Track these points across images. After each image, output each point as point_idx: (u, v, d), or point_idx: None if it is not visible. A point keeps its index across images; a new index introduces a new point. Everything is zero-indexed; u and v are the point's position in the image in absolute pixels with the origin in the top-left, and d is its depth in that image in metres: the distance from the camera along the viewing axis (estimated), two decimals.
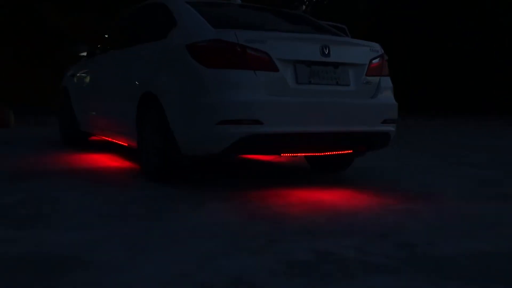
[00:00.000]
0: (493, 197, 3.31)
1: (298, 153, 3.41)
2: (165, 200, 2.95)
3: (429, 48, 18.33)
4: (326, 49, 3.29)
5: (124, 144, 4.27)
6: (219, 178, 3.85)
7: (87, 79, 5.05)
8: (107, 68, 4.53)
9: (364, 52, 3.51)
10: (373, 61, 3.53)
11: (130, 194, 3.11)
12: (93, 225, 2.38)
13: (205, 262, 1.91)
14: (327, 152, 3.46)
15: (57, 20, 11.61)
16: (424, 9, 17.91)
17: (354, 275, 1.82)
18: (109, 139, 4.69)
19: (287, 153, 3.35)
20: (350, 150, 3.57)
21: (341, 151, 3.52)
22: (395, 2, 18.29)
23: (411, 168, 4.56)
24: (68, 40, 11.57)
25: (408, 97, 17.46)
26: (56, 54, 11.69)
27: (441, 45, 18.12)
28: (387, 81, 3.64)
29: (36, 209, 2.68)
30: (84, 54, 5.12)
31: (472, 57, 17.94)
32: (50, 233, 2.25)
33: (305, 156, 4.28)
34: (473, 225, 2.57)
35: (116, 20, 4.88)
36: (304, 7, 17.17)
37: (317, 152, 3.45)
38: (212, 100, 3.05)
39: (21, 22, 11.64)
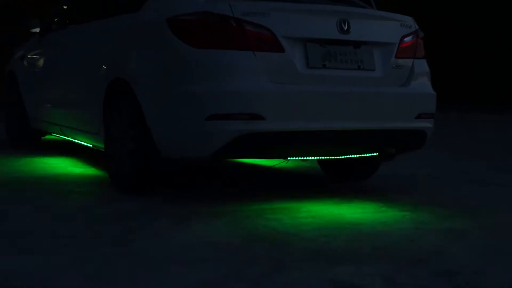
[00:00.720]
0: None
1: (309, 157, 3.41)
2: (141, 216, 2.95)
3: (472, 27, 18.26)
4: (345, 24, 3.30)
5: (88, 145, 4.27)
6: (209, 187, 3.85)
7: (41, 62, 5.05)
8: (66, 48, 4.53)
9: (393, 28, 3.52)
10: (405, 39, 3.54)
11: (95, 209, 3.11)
12: (49, 249, 2.38)
13: None
14: (346, 155, 3.47)
15: None
16: None
17: None
18: (69, 139, 4.69)
19: (296, 156, 3.36)
20: (376, 152, 3.58)
21: (364, 154, 3.53)
22: None
23: (452, 176, 4.56)
24: (14, 11, 11.53)
25: (446, 85, 17.38)
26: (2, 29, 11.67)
27: (485, 25, 18.05)
28: (422, 65, 3.64)
29: None
30: (37, 30, 5.13)
31: None
32: None
33: (319, 161, 4.29)
34: None
35: None
36: None
37: (334, 156, 3.45)
38: (200, 89, 3.05)
39: None
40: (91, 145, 4.20)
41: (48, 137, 5.78)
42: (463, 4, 18.04)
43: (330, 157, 3.50)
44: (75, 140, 4.53)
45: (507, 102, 17.11)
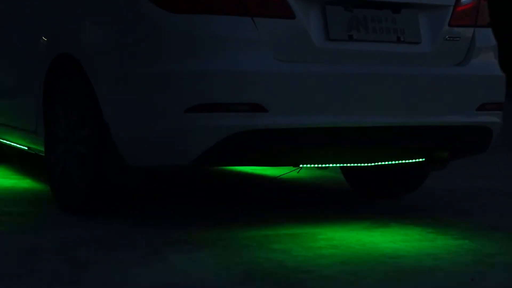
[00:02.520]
0: None
1: (329, 164, 3.42)
2: (96, 247, 2.95)
3: None
4: None
5: (23, 147, 4.27)
6: (190, 207, 3.86)
7: None
8: None
9: None
10: (463, 0, 3.55)
11: (31, 237, 3.12)
12: None
13: None
14: (380, 162, 3.48)
15: None
16: None
17: None
18: None
19: (310, 163, 3.37)
20: (422, 158, 3.59)
21: (405, 160, 3.54)
22: None
23: None
24: None
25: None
26: None
27: None
28: (487, 36, 3.66)
29: None
30: None
31: None
32: None
33: (342, 170, 4.30)
34: None
35: None
36: None
37: (363, 163, 3.46)
38: (180, 69, 3.07)
39: None
40: (26, 148, 4.21)
41: None
42: None
43: (358, 164, 3.51)
44: (4, 141, 4.54)
45: None
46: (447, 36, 3.49)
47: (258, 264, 2.78)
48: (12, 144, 4.43)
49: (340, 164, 3.49)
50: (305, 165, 3.41)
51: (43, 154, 3.81)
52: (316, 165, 3.46)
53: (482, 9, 3.65)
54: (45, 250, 2.90)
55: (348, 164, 3.51)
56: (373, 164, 3.49)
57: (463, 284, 2.59)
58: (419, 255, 2.97)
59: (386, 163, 3.51)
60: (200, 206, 3.90)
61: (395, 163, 3.57)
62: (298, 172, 4.33)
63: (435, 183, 4.56)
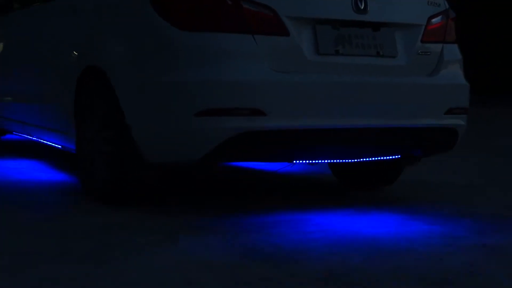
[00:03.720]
0: None
1: (318, 160, 3.41)
2: (118, 232, 2.95)
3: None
4: (361, 3, 3.30)
5: (57, 146, 4.27)
6: (199, 198, 3.85)
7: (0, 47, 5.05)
8: (30, 31, 4.53)
9: (419, 7, 3.52)
10: (433, 20, 3.54)
11: (65, 222, 3.11)
12: (15, 268, 2.38)
13: None
14: (362, 158, 3.47)
15: None
16: None
17: None
18: (34, 139, 4.69)
19: (302, 159, 3.36)
20: (398, 155, 3.58)
21: (383, 157, 3.53)
22: None
23: (488, 183, 4.55)
24: None
25: (490, 72, 17.32)
26: None
27: None
28: (453, 51, 3.65)
29: None
30: None
31: None
32: None
33: (330, 165, 4.28)
34: None
35: None
36: None
37: (348, 159, 3.46)
38: (190, 79, 3.06)
39: None
40: (60, 146, 4.20)
41: (8, 136, 5.79)
42: None
43: (344, 161, 3.50)
44: (41, 141, 4.53)
45: None
46: (419, 51, 3.48)
47: (258, 246, 2.77)
48: (48, 143, 4.42)
49: (328, 160, 3.48)
50: (298, 161, 3.40)
51: (74, 152, 3.80)
52: (307, 161, 3.44)
53: (449, 28, 3.65)
54: (75, 234, 2.91)
55: (335, 161, 3.50)
56: (356, 160, 3.49)
57: (434, 262, 2.58)
58: (396, 238, 2.96)
59: (368, 159, 3.50)
60: (207, 197, 3.90)
61: (375, 160, 3.56)
62: (292, 167, 4.33)
63: (409, 177, 4.55)
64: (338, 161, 3.50)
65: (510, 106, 13.29)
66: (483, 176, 4.85)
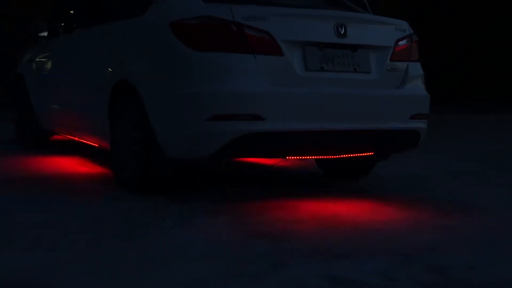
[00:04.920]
0: None
1: (307, 156, 3.41)
2: (144, 215, 2.95)
3: (465, 29, 18.16)
4: (342, 29, 3.30)
5: (95, 144, 4.27)
6: (210, 187, 3.85)
7: (49, 65, 5.05)
8: (73, 52, 4.52)
9: (388, 32, 3.52)
10: (400, 43, 3.54)
11: (100, 207, 3.11)
12: (55, 245, 2.38)
13: None
14: (343, 154, 3.46)
15: None
16: None
17: None
18: (76, 139, 4.69)
19: (294, 156, 3.35)
20: (372, 152, 3.57)
21: (360, 153, 3.52)
22: None
23: (446, 175, 4.55)
24: (19, 15, 11.50)
25: (442, 86, 17.29)
26: (6, 32, 11.61)
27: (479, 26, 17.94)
28: (416, 68, 3.65)
29: None
30: (45, 34, 5.13)
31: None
32: (3, 254, 2.24)
33: (316, 160, 4.28)
34: None
35: None
36: None
37: (331, 155, 3.45)
38: (202, 91, 3.05)
39: None
40: (97, 145, 4.20)
41: (56, 137, 5.79)
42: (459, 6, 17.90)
43: (328, 157, 3.50)
44: (82, 140, 4.53)
45: (502, 101, 16.97)
46: (389, 68, 3.48)
47: (259, 226, 2.78)
48: (88, 142, 4.42)
49: (315, 156, 3.47)
50: (290, 157, 3.40)
51: (108, 150, 3.80)
52: (298, 157, 3.44)
53: (413, 49, 3.65)
54: (109, 216, 2.91)
55: (321, 157, 3.49)
56: (338, 156, 3.48)
57: (401, 240, 2.58)
58: (370, 219, 2.96)
59: (347, 155, 3.50)
60: (217, 186, 3.89)
61: (353, 156, 3.56)
62: (286, 160, 4.32)
63: (381, 170, 4.55)
64: (323, 157, 3.50)
65: (465, 113, 13.28)
66: (440, 169, 4.84)
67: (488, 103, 16.46)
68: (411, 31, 3.66)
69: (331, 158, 3.60)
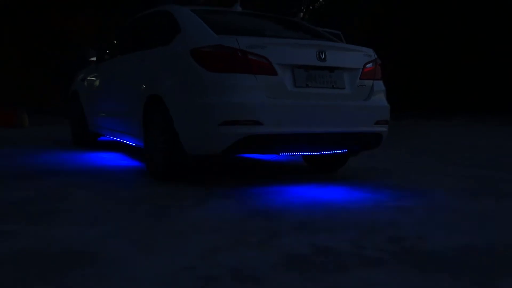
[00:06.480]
0: (482, 194, 3.30)
1: (295, 153, 3.40)
2: (170, 197, 2.94)
3: (425, 49, 18.06)
4: (322, 54, 3.29)
5: (131, 144, 4.26)
6: (220, 176, 3.84)
7: (96, 83, 5.04)
8: (115, 72, 4.52)
9: (358, 57, 3.51)
10: (367, 65, 3.53)
11: (136, 191, 3.11)
12: (100, 221, 2.37)
13: (208, 255, 1.91)
14: (323, 151, 3.46)
15: (59, 23, 11.45)
16: (417, 15, 17.74)
17: (348, 268, 1.82)
18: (117, 140, 4.69)
19: (285, 152, 3.35)
20: (345, 149, 3.56)
21: (336, 150, 3.52)
22: (387, 10, 18.15)
23: (405, 168, 4.55)
24: (71, 43, 11.51)
25: (406, 97, 17.28)
26: (62, 57, 11.63)
27: (434, 45, 17.84)
28: (380, 85, 3.64)
29: (46, 205, 2.68)
30: (94, 59, 5.13)
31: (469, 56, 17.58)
32: (59, 228, 2.24)
33: (303, 156, 4.28)
34: (461, 220, 2.57)
35: (124, 26, 4.87)
36: (301, 14, 17.18)
37: (314, 152, 3.44)
38: (215, 102, 3.04)
39: (26, 26, 11.54)
40: (133, 144, 4.20)
41: (102, 138, 5.79)
42: (415, 24, 17.75)
43: (311, 153, 3.49)
44: (122, 140, 4.53)
45: (455, 111, 16.92)
46: (359, 85, 3.47)
47: (257, 207, 2.77)
48: (126, 142, 4.42)
49: (301, 153, 3.47)
50: (282, 154, 3.39)
51: (142, 148, 3.80)
52: (289, 154, 3.44)
53: (377, 70, 3.64)
54: (141, 198, 2.90)
55: (306, 153, 3.49)
56: (319, 152, 3.48)
57: (367, 217, 2.57)
58: (344, 202, 2.96)
59: (326, 152, 3.49)
60: (225, 176, 3.89)
61: (331, 152, 3.55)
62: (279, 156, 4.30)
63: (353, 163, 4.54)
64: (308, 153, 3.49)
65: (422, 120, 13.27)
66: (399, 163, 4.84)
67: (441, 113, 16.44)
68: (376, 56, 3.65)
69: (314, 154, 3.59)
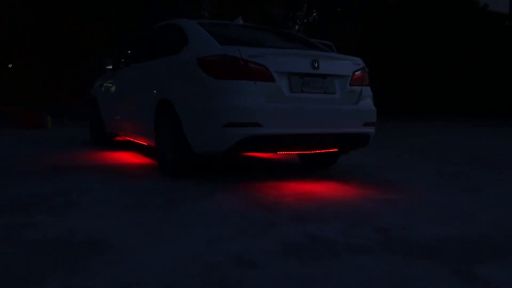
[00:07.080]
0: (461, 189, 3.31)
1: (292, 151, 3.40)
2: (178, 192, 2.95)
3: (415, 57, 17.66)
4: (315, 63, 3.29)
5: (144, 143, 4.27)
6: (223, 172, 3.85)
7: (113, 89, 5.05)
8: (130, 79, 4.52)
9: (348, 65, 3.51)
10: (356, 73, 3.53)
11: (148, 186, 3.11)
12: (116, 213, 2.38)
13: (212, 244, 1.91)
14: (316, 150, 3.46)
15: (74, 32, 11.42)
16: (406, 25, 17.40)
17: (340, 255, 1.82)
18: (131, 140, 4.69)
19: (283, 151, 3.35)
20: (336, 148, 3.57)
21: (328, 149, 3.52)
22: (378, 21, 17.91)
23: (392, 165, 4.55)
24: (87, 52, 11.50)
25: (406, 97, 16.96)
26: (81, 64, 11.62)
27: (424, 52, 17.45)
28: (367, 90, 3.63)
29: (69, 198, 2.69)
30: (110, 67, 5.13)
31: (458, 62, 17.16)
32: (81, 219, 2.25)
33: (298, 154, 4.28)
34: (442, 212, 2.57)
35: (138, 37, 4.88)
36: (297, 27, 17.18)
37: (308, 151, 3.44)
38: (219, 106, 3.05)
39: (45, 35, 11.50)
40: (146, 144, 4.20)
41: (117, 138, 5.79)
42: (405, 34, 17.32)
43: (305, 152, 3.49)
44: (136, 140, 4.54)
45: (455, 111, 16.52)
46: (348, 90, 3.47)
47: (257, 200, 2.77)
48: (140, 142, 4.42)
49: (297, 151, 3.47)
50: (280, 152, 3.39)
51: (154, 147, 3.80)
52: (285, 152, 3.44)
53: (365, 77, 3.64)
54: (154, 193, 2.90)
55: (301, 152, 3.49)
56: (313, 151, 3.48)
57: (358, 209, 2.58)
58: (335, 195, 2.96)
59: (319, 151, 3.49)
60: (228, 172, 3.89)
61: (323, 151, 3.55)
62: (276, 154, 4.29)
63: (343, 161, 4.54)
64: (302, 152, 3.49)
65: (412, 122, 13.26)
66: (385, 161, 4.84)
67: (440, 113, 16.19)
68: (364, 65, 3.65)
69: (308, 152, 3.59)
